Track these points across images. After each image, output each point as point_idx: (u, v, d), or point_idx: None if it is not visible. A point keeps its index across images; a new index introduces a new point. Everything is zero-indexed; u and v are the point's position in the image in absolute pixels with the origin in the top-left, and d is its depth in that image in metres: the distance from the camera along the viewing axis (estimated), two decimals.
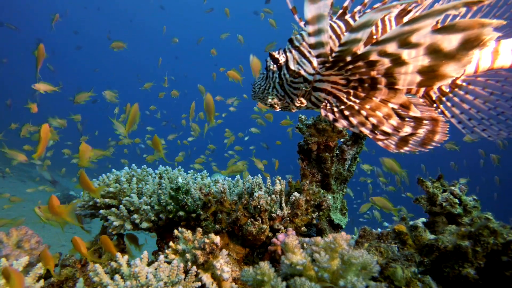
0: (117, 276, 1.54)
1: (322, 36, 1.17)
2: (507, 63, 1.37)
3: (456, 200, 1.77)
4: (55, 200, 1.86)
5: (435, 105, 1.54)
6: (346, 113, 1.35)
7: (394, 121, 1.30)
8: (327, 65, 1.31)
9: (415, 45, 1.09)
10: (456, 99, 1.51)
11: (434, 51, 1.08)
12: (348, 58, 1.24)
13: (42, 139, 2.27)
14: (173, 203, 2.09)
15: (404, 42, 1.09)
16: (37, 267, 1.78)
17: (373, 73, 1.25)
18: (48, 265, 1.78)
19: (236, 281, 1.71)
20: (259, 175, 2.14)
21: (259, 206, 1.90)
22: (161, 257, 1.64)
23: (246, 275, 1.25)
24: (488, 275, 1.27)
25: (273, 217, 1.98)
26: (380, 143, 1.36)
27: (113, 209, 2.20)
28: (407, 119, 1.31)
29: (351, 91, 1.36)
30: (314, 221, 2.13)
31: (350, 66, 1.27)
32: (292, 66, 1.49)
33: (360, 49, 1.21)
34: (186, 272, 1.62)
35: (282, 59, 1.52)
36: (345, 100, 1.37)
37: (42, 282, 1.79)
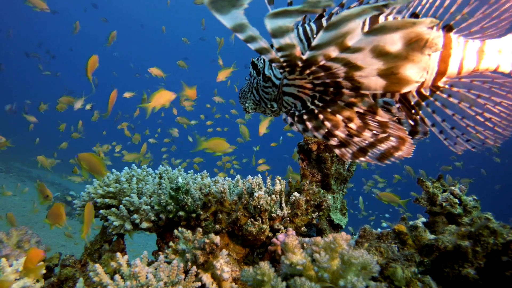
0: (117, 276, 1.54)
1: (259, 41, 1.11)
2: (493, 64, 1.30)
3: (456, 200, 1.77)
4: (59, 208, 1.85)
5: (413, 110, 1.44)
6: (305, 117, 1.35)
7: (354, 124, 1.28)
8: (287, 70, 1.29)
9: (357, 49, 1.08)
10: (437, 103, 1.41)
11: (381, 54, 1.07)
12: (299, 63, 1.22)
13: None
14: (173, 203, 2.09)
15: (342, 46, 1.08)
16: (37, 267, 1.78)
17: (334, 77, 1.23)
18: (31, 271, 1.75)
19: (236, 281, 1.71)
20: (259, 175, 2.14)
21: (259, 206, 1.90)
22: (161, 257, 1.64)
23: (246, 275, 1.25)
24: (488, 275, 1.27)
25: (273, 217, 1.98)
26: (336, 150, 1.33)
27: (113, 209, 2.20)
28: (373, 127, 1.29)
29: (317, 95, 1.36)
30: (314, 221, 2.13)
31: (307, 71, 1.25)
32: (266, 71, 1.53)
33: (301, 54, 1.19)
34: (186, 272, 1.62)
35: (260, 65, 1.55)
36: (308, 104, 1.37)
37: (42, 282, 1.79)
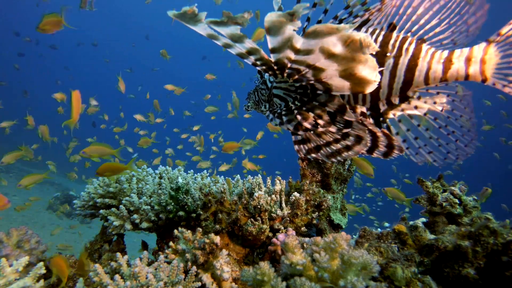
0: (117, 276, 1.54)
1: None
2: (461, 73, 1.33)
3: (456, 200, 1.77)
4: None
5: (381, 118, 1.50)
6: (283, 113, 1.52)
7: (323, 121, 1.42)
8: (270, 73, 1.42)
9: (308, 51, 1.19)
10: (404, 112, 1.47)
11: (330, 55, 1.18)
12: (274, 66, 1.34)
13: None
14: (173, 203, 2.09)
15: (294, 48, 1.19)
16: (37, 267, 1.78)
17: (307, 78, 1.35)
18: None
19: (236, 281, 1.71)
20: (259, 175, 2.14)
21: (259, 206, 1.90)
22: (161, 257, 1.64)
23: (246, 275, 1.25)
24: (488, 275, 1.27)
25: (273, 217, 1.98)
26: (295, 146, 1.51)
27: (113, 209, 2.20)
28: (340, 123, 1.42)
29: (298, 97, 1.50)
30: (314, 221, 2.13)
31: (285, 74, 1.36)
32: (265, 75, 1.68)
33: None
34: (186, 272, 1.62)
35: None
36: (290, 104, 1.53)
37: (42, 282, 1.79)
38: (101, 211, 2.22)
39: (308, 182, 2.16)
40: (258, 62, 1.34)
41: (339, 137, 1.48)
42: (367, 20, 1.40)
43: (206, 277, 1.64)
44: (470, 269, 1.29)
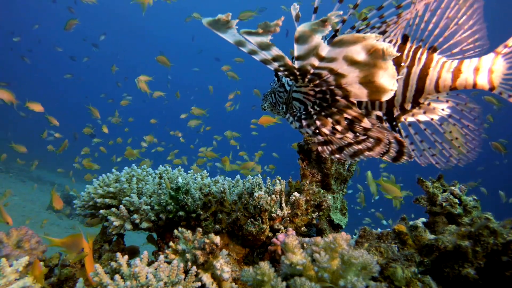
0: (117, 276, 1.54)
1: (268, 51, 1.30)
2: (470, 82, 1.40)
3: (456, 200, 1.77)
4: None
5: (394, 122, 1.60)
6: (302, 117, 1.58)
7: (340, 126, 1.49)
8: (291, 78, 1.49)
9: (332, 58, 1.26)
10: (414, 118, 1.57)
11: (353, 62, 1.25)
12: (296, 72, 1.41)
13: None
14: (173, 203, 2.09)
15: (319, 56, 1.26)
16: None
17: (328, 83, 1.42)
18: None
19: (236, 281, 1.71)
20: (259, 175, 2.15)
21: (259, 206, 1.90)
22: (161, 257, 1.64)
23: (246, 275, 1.25)
24: (488, 275, 1.27)
25: (273, 217, 1.98)
26: (319, 147, 1.55)
27: (113, 209, 2.20)
28: (358, 130, 1.49)
29: (318, 101, 1.56)
30: (314, 221, 2.13)
31: (306, 79, 1.44)
32: (283, 78, 1.77)
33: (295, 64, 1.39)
34: (186, 272, 1.62)
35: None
36: (309, 108, 1.60)
37: (42, 282, 1.79)
38: (101, 211, 2.21)
39: (308, 182, 2.16)
40: (281, 68, 1.41)
41: (360, 138, 1.52)
42: (384, 32, 1.45)
43: (206, 277, 1.64)
44: (470, 269, 1.29)
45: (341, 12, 1.09)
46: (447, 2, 1.44)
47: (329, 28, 1.11)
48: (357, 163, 2.49)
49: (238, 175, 2.38)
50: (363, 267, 1.17)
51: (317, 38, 1.17)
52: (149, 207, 2.14)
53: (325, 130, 1.50)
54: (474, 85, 1.40)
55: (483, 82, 1.39)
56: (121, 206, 2.17)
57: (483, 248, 1.30)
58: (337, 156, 1.54)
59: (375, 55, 1.20)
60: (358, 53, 1.21)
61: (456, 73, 1.42)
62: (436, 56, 1.46)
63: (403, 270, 1.36)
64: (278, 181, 2.09)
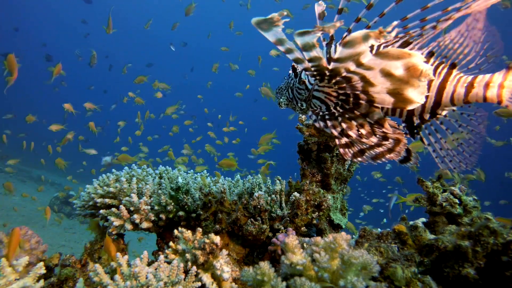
0: (117, 276, 1.54)
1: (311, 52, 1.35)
2: (480, 96, 1.48)
3: (456, 200, 1.77)
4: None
5: (415, 130, 1.68)
6: (327, 117, 1.63)
7: (364, 130, 1.55)
8: (318, 78, 1.53)
9: (370, 67, 1.31)
10: (432, 127, 1.66)
11: (388, 74, 1.30)
12: (326, 72, 1.46)
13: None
14: (173, 203, 2.09)
15: (358, 62, 1.31)
16: (37, 267, 1.78)
17: (354, 88, 1.47)
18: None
19: (236, 281, 1.71)
20: (259, 175, 2.14)
21: (259, 206, 1.90)
22: (161, 257, 1.64)
23: (246, 275, 1.25)
24: (488, 275, 1.27)
25: (273, 217, 1.98)
26: (341, 149, 1.60)
27: (113, 209, 2.20)
28: (378, 134, 1.56)
29: (339, 103, 1.61)
30: (314, 221, 2.13)
31: (333, 80, 1.49)
32: (302, 76, 1.80)
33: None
34: (186, 272, 1.62)
35: (299, 70, 1.84)
36: (331, 108, 1.64)
37: (42, 282, 1.79)
38: (101, 211, 2.22)
39: (308, 182, 2.16)
40: (312, 68, 1.45)
41: (380, 141, 1.58)
42: (407, 42, 1.52)
43: (206, 277, 1.64)
44: (470, 269, 1.29)
45: (398, 22, 1.12)
46: (469, 25, 1.54)
47: (382, 40, 1.14)
48: (356, 164, 2.49)
49: (238, 175, 2.38)
50: (363, 267, 1.17)
51: (366, 46, 1.20)
52: (149, 207, 2.14)
53: (351, 133, 1.55)
54: (484, 99, 1.48)
55: (492, 96, 1.46)
56: (121, 206, 2.17)
57: (483, 248, 1.30)
58: (359, 159, 1.59)
59: (412, 74, 1.25)
60: (397, 68, 1.26)
61: (469, 88, 1.49)
62: (454, 71, 1.54)
63: (403, 270, 1.36)
64: (278, 181, 2.09)
